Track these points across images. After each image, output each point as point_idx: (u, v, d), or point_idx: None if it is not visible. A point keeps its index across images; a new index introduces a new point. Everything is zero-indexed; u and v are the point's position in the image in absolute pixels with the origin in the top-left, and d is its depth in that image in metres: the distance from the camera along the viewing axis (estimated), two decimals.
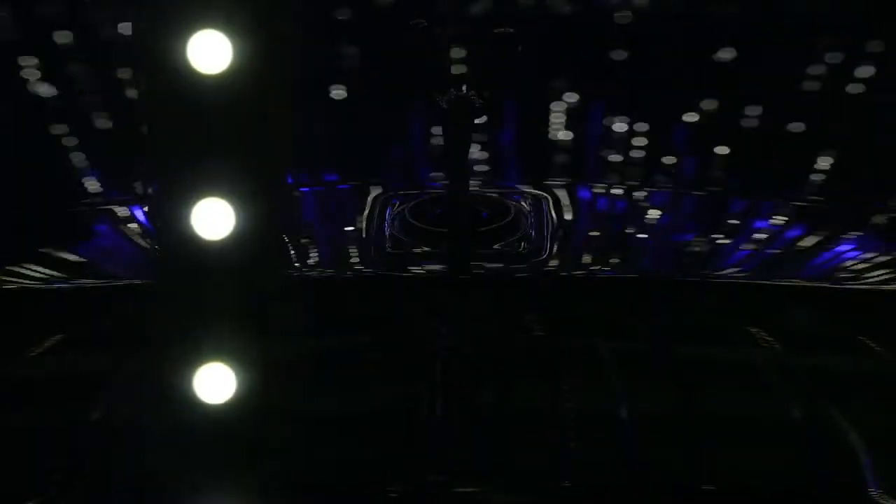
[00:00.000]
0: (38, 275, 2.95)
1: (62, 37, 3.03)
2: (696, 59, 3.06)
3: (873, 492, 2.64)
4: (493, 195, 3.16)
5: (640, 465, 2.65)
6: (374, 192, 3.17)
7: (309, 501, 2.61)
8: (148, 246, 2.88)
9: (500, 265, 2.91)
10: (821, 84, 3.05)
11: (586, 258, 3.02)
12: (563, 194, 3.13)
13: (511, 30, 2.95)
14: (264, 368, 2.54)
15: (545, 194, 3.17)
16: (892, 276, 2.90)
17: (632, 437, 2.67)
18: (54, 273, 2.95)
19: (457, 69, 2.97)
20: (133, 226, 2.98)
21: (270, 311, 2.54)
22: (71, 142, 3.03)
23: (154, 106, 2.45)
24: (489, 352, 2.77)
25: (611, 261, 2.99)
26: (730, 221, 3.06)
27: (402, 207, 3.10)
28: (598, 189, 3.17)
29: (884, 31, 3.06)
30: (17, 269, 2.94)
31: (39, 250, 2.97)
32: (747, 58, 3.05)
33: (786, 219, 3.02)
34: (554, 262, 2.98)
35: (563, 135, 3.17)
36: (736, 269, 2.94)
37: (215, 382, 2.55)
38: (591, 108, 3.12)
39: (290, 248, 2.89)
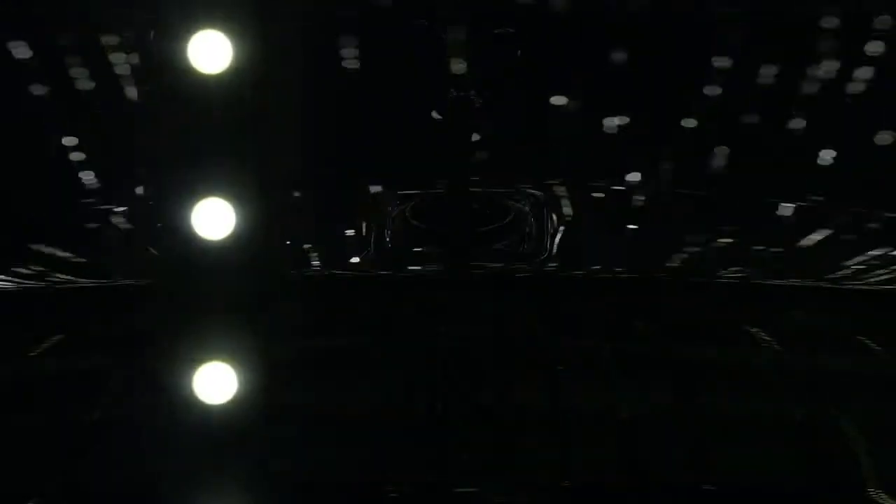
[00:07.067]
0: (36, 274, 2.94)
1: (62, 36, 3.03)
2: (695, 58, 3.06)
3: (873, 492, 2.64)
4: (493, 195, 3.15)
5: (640, 465, 2.66)
6: (375, 191, 3.17)
7: (309, 501, 2.61)
8: (148, 246, 2.87)
9: (500, 265, 2.91)
10: (821, 82, 3.05)
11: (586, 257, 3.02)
12: (562, 194, 3.13)
13: (511, 30, 2.95)
14: (264, 368, 2.54)
15: (545, 194, 3.17)
16: (892, 276, 2.90)
17: (632, 437, 2.67)
18: (53, 273, 2.95)
19: (457, 69, 2.97)
20: (132, 226, 2.97)
21: (270, 310, 2.54)
22: (70, 141, 3.03)
23: (154, 106, 2.45)
24: (489, 352, 2.77)
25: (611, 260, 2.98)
26: (729, 221, 3.05)
27: (402, 207, 3.10)
28: (598, 188, 3.16)
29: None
30: (16, 268, 2.93)
31: (38, 250, 2.97)
32: (747, 57, 3.04)
33: (786, 219, 3.01)
34: (554, 263, 2.98)
35: (563, 134, 3.16)
36: (736, 270, 2.94)
37: (215, 382, 2.55)
38: (590, 107, 3.11)
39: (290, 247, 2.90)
